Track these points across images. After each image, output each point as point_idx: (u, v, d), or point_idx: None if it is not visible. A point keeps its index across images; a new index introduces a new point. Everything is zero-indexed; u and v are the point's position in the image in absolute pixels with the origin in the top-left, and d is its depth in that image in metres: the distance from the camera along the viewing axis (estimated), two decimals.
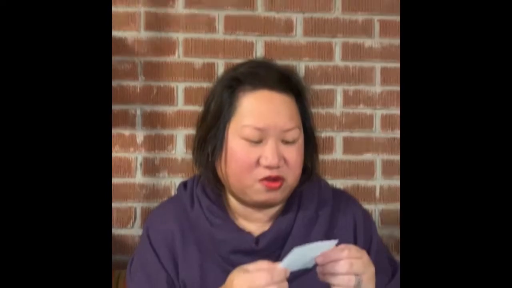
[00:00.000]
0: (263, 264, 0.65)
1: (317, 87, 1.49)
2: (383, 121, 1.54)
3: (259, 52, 1.50)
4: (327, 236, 0.79)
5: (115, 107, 1.47)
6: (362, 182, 1.53)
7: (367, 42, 1.54)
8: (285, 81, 0.77)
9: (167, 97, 1.49)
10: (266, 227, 0.79)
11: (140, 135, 1.48)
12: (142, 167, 1.48)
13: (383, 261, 0.82)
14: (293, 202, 0.81)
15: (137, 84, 1.49)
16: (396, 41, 1.53)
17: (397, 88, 1.53)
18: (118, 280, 1.22)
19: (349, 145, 1.53)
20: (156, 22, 1.49)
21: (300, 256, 0.66)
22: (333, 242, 0.67)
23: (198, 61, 1.49)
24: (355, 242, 0.80)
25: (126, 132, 1.48)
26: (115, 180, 1.47)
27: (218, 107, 0.77)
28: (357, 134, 1.54)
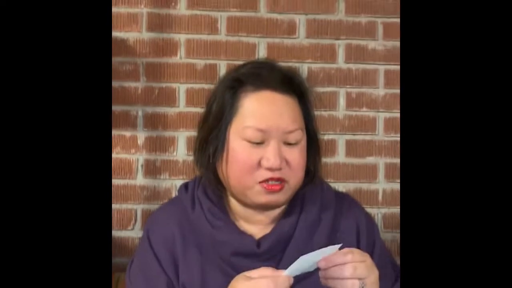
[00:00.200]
0: (266, 271, 0.64)
1: (319, 89, 1.48)
2: (386, 124, 1.53)
3: (261, 53, 1.50)
4: (329, 239, 0.78)
5: (116, 108, 1.47)
6: (364, 186, 1.52)
7: (371, 44, 1.53)
8: (287, 82, 0.77)
9: (169, 98, 1.49)
10: (267, 229, 0.78)
11: (141, 136, 1.48)
12: (143, 168, 1.48)
13: (386, 266, 0.81)
14: (295, 205, 0.80)
15: (139, 85, 1.48)
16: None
17: None
18: (118, 282, 1.21)
19: (352, 148, 1.52)
20: (158, 23, 1.49)
21: (305, 262, 0.65)
22: (336, 247, 0.66)
23: (200, 62, 1.49)
24: (358, 246, 0.79)
25: (127, 133, 1.48)
26: (115, 182, 1.46)
27: (219, 108, 0.77)
28: (360, 137, 1.53)
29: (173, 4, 1.49)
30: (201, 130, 0.80)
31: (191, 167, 0.83)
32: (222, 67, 1.49)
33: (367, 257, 0.67)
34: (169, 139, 1.48)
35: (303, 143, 0.77)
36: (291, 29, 1.51)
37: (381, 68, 1.53)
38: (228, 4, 1.50)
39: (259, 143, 0.74)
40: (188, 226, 0.79)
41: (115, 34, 1.47)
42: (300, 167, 0.76)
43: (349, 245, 0.70)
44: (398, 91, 1.53)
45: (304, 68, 1.51)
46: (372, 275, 0.66)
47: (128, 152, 1.48)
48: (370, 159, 1.53)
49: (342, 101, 1.52)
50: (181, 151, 1.48)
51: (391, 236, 1.51)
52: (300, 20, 1.52)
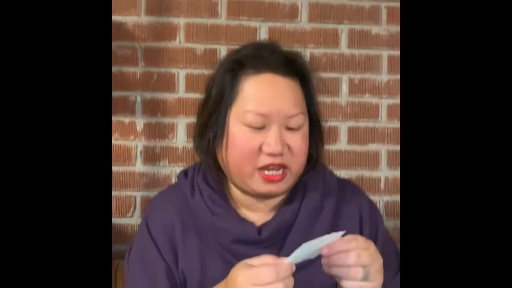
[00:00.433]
0: (268, 259, 0.62)
1: (322, 75, 1.46)
2: (389, 110, 1.52)
3: (262, 38, 1.48)
4: (332, 227, 0.77)
5: (115, 94, 1.45)
6: (366, 173, 1.52)
7: (374, 29, 1.51)
8: (290, 65, 0.75)
9: (168, 83, 1.47)
10: (269, 216, 0.77)
11: (140, 122, 1.46)
12: (142, 155, 1.47)
13: (389, 254, 0.80)
14: (297, 192, 0.79)
15: (137, 70, 1.47)
16: None
17: None
18: (117, 270, 1.21)
19: (354, 135, 1.51)
20: (157, 7, 1.46)
21: (307, 249, 0.63)
22: (339, 234, 0.65)
23: (200, 47, 1.47)
24: (360, 233, 0.78)
25: (126, 120, 1.46)
26: (114, 169, 1.45)
27: (219, 92, 0.75)
28: (362, 123, 1.52)
29: None
30: (200, 115, 0.79)
31: (191, 154, 0.81)
32: (223, 51, 1.47)
33: (371, 244, 0.66)
34: (169, 125, 1.47)
35: (305, 128, 0.75)
36: (293, 13, 1.49)
37: (385, 53, 1.52)
38: None
39: (260, 128, 0.72)
40: (187, 213, 0.79)
41: (113, 17, 1.44)
42: (302, 153, 0.75)
43: (351, 232, 0.69)
44: None
45: (306, 53, 1.49)
46: (376, 262, 0.65)
47: (127, 138, 1.46)
48: (372, 146, 1.52)
49: (344, 87, 1.51)
50: (181, 137, 1.47)
51: (393, 224, 1.51)
52: (303, 3, 1.49)
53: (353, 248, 0.63)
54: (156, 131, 1.47)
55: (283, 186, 0.74)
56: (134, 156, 1.46)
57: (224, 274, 0.67)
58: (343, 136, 1.51)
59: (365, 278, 0.63)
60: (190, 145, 0.81)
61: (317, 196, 0.79)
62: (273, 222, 0.76)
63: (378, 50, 1.51)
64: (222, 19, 1.47)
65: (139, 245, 0.79)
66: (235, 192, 0.78)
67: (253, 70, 0.73)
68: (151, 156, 1.47)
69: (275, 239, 0.75)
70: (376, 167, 1.52)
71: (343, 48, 1.51)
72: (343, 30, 1.51)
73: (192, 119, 0.81)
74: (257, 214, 0.78)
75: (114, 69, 1.45)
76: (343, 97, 1.51)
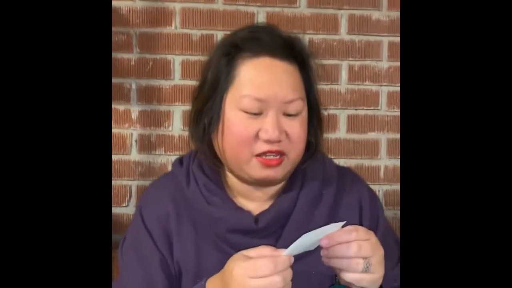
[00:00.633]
0: (266, 251, 0.61)
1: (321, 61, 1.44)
2: (390, 98, 1.51)
3: None
4: (331, 216, 0.76)
5: None
6: (366, 162, 1.51)
7: (375, 15, 1.49)
8: (288, 48, 0.73)
9: (164, 70, 1.45)
10: (266, 206, 0.76)
11: (135, 110, 1.45)
12: (138, 143, 1.45)
13: (390, 244, 0.79)
14: (296, 180, 0.77)
15: (132, 56, 1.45)
16: None
17: None
18: (112, 260, 1.19)
19: (354, 123, 1.50)
20: None
21: (306, 241, 0.62)
22: (339, 224, 0.63)
23: (196, 33, 1.45)
24: (360, 223, 0.77)
25: (121, 107, 1.45)
26: None
27: (215, 76, 0.73)
28: (362, 111, 1.51)
29: None
30: (195, 101, 0.77)
31: (187, 142, 0.80)
32: (219, 37, 1.46)
33: (372, 235, 0.64)
34: (164, 113, 1.45)
35: (304, 114, 0.73)
36: None
37: (385, 40, 1.50)
38: None
39: (257, 114, 0.70)
40: (182, 202, 0.77)
41: None
42: (301, 140, 0.73)
43: (351, 221, 0.68)
44: None
45: (305, 39, 1.46)
46: (377, 253, 0.64)
47: (122, 126, 1.45)
48: (372, 135, 1.51)
49: (344, 74, 1.49)
50: (177, 125, 1.45)
51: (392, 214, 1.50)
52: None
53: (354, 239, 0.62)
54: (152, 119, 1.45)
55: (280, 171, 0.72)
56: (129, 145, 1.45)
57: (220, 264, 0.66)
58: (342, 124, 1.50)
59: (366, 269, 0.62)
60: (187, 133, 0.80)
61: (316, 184, 0.77)
62: (271, 211, 0.74)
63: (378, 36, 1.50)
64: (219, 4, 1.45)
65: (133, 235, 0.78)
66: (231, 180, 0.77)
67: (250, 54, 0.71)
68: (146, 145, 1.45)
69: (272, 229, 0.74)
70: (376, 155, 1.51)
71: (343, 34, 1.49)
72: (343, 15, 1.48)
73: (188, 107, 0.79)
74: (254, 203, 0.76)
75: None
76: (343, 85, 1.49)
